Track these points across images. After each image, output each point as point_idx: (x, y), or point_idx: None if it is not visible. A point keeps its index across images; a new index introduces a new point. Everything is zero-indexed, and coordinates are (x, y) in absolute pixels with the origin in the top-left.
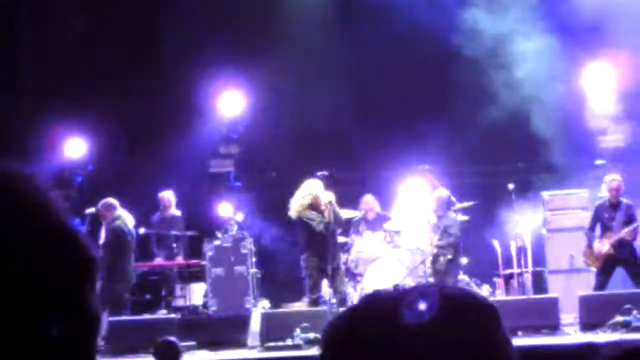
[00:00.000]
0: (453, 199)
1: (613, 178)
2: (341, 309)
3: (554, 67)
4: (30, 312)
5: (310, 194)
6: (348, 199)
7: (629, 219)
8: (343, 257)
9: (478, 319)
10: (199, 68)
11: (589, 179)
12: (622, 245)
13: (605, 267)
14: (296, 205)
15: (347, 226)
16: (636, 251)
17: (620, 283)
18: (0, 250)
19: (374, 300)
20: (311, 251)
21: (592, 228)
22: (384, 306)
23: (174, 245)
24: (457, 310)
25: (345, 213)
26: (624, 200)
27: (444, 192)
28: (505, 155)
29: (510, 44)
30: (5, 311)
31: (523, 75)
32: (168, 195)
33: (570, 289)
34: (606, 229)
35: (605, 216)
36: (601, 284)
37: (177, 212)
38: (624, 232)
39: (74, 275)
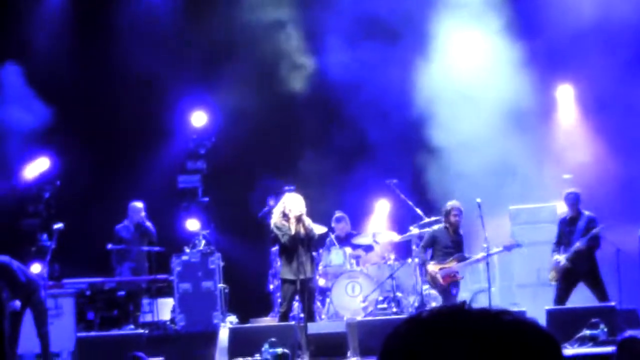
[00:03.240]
0: (420, 212)
1: (569, 191)
2: (309, 324)
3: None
4: None
5: (283, 203)
6: (316, 214)
7: (589, 231)
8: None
9: (539, 349)
10: (166, 84)
11: (557, 192)
12: (579, 258)
13: (564, 281)
14: (274, 214)
15: (320, 241)
16: (595, 263)
17: (585, 297)
18: None
19: (440, 315)
20: (282, 263)
21: (557, 242)
22: (450, 323)
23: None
24: (519, 340)
25: (318, 229)
26: (586, 212)
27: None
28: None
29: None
30: None
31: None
32: (139, 206)
33: (538, 303)
34: (567, 243)
35: (566, 230)
36: (560, 297)
37: (148, 223)
38: (577, 245)
39: None
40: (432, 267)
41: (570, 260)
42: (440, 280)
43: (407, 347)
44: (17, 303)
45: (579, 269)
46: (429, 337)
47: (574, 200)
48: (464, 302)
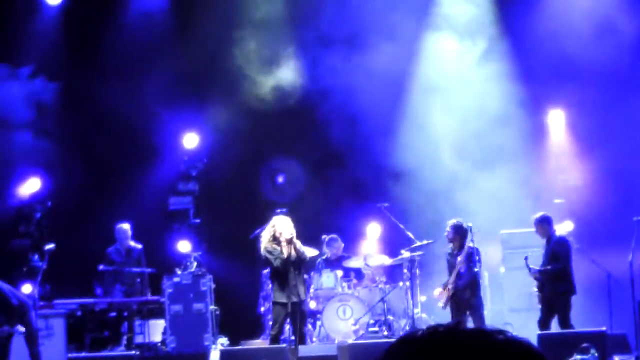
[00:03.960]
0: (411, 236)
1: (535, 217)
2: (300, 347)
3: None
4: None
5: (273, 226)
6: (307, 237)
7: (555, 254)
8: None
9: None
10: (157, 106)
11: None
12: (542, 283)
13: (542, 304)
14: (263, 238)
15: (311, 264)
16: (559, 288)
17: (576, 321)
18: None
19: (434, 334)
20: (273, 286)
21: None
22: (444, 342)
23: (138, 281)
24: (509, 357)
25: (309, 252)
26: (557, 234)
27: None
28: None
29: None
30: None
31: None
32: (126, 227)
33: (530, 327)
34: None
35: (542, 255)
36: (541, 321)
37: (138, 245)
38: (536, 271)
39: None
40: (435, 292)
41: (537, 286)
42: (443, 300)
43: None
44: (21, 328)
45: (544, 293)
46: (422, 357)
47: (537, 224)
48: (458, 322)
